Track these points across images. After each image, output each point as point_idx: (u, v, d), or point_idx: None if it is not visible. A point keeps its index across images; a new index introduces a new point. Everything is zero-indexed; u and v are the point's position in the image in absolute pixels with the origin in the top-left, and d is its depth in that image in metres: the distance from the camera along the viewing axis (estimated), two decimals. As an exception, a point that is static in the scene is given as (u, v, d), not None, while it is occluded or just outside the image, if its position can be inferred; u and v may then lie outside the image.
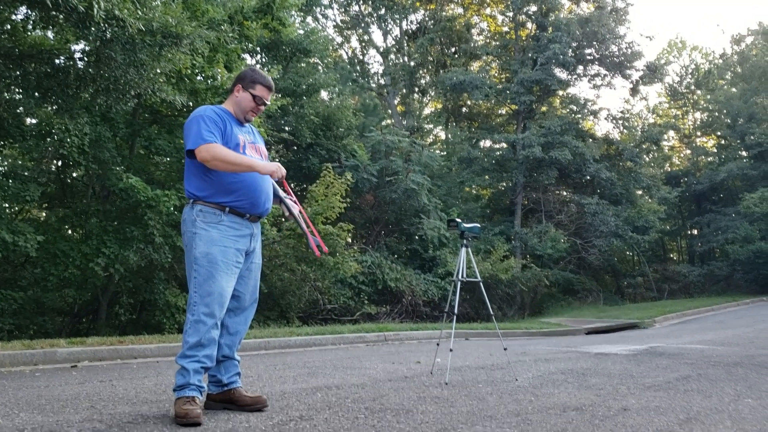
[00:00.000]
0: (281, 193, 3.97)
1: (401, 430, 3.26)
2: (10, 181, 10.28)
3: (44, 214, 13.27)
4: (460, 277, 5.61)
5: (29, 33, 9.20)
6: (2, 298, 10.19)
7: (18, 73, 9.10)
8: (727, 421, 3.60)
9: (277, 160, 18.37)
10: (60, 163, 11.47)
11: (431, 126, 34.65)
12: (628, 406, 4.02)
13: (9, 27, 8.96)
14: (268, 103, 3.91)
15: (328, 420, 3.48)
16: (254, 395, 3.74)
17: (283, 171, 3.68)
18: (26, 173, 11.13)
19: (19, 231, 9.08)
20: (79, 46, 9.39)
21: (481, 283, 5.87)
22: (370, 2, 30.57)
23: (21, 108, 9.99)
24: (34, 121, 10.55)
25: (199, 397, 3.45)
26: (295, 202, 4.01)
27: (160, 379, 5.02)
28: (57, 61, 9.16)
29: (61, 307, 12.47)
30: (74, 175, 12.11)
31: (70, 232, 11.73)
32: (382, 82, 32.03)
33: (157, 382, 4.80)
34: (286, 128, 18.26)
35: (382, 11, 30.74)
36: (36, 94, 9.41)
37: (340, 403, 3.99)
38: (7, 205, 10.67)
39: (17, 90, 9.77)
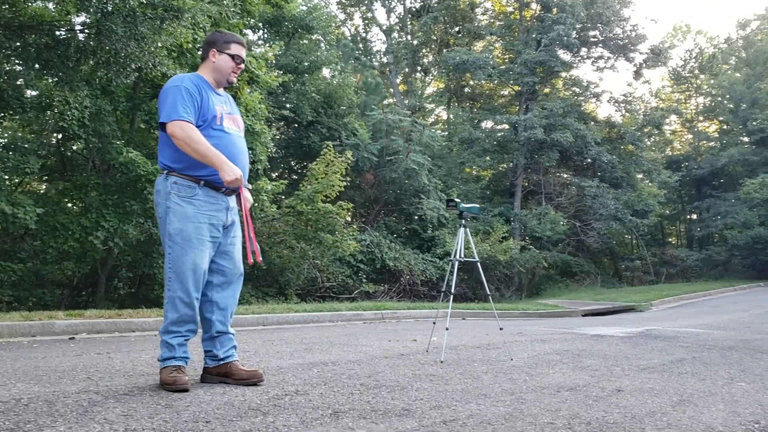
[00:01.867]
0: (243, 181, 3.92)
1: (396, 406, 3.29)
2: (10, 153, 10.26)
3: (44, 187, 13.26)
4: (457, 257, 5.62)
5: (30, 4, 9.14)
6: (1, 269, 10.23)
7: (18, 44, 9.06)
8: (720, 403, 3.63)
9: (278, 137, 18.32)
10: (60, 136, 11.44)
11: (433, 106, 34.54)
12: (622, 387, 4.04)
13: (9, -3, 8.89)
14: (245, 59, 3.85)
15: (323, 395, 3.50)
16: (250, 369, 3.77)
17: (240, 183, 3.55)
18: (26, 145, 11.11)
19: (18, 203, 9.07)
20: (79, 19, 9.33)
21: (479, 264, 5.87)
22: (374, -21, 30.36)
23: (21, 80, 9.95)
24: (34, 93, 10.51)
25: (185, 366, 3.55)
26: (250, 198, 3.92)
27: (158, 352, 5.01)
28: (57, 32, 9.11)
29: (60, 280, 12.51)
30: (74, 148, 12.09)
31: (69, 205, 11.73)
32: (384, 60, 31.86)
33: (154, 356, 4.82)
34: (287, 105, 18.20)
35: (386, -12, 30.53)
36: (36, 65, 9.37)
37: (335, 379, 4.01)
38: (6, 177, 10.65)
39: (17, 61, 9.72)
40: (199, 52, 4.25)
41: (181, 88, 3.50)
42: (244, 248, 3.91)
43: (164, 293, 3.57)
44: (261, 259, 3.89)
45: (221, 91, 3.79)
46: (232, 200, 3.75)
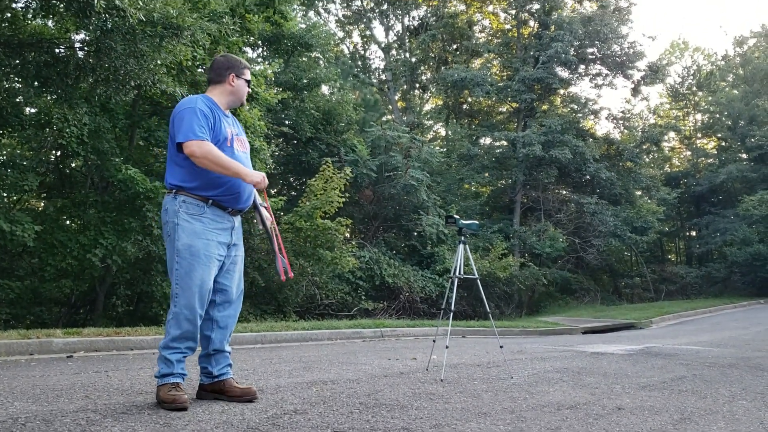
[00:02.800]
0: (258, 200, 3.98)
1: (395, 425, 3.26)
2: (9, 170, 10.25)
3: (42, 204, 13.23)
4: (457, 274, 5.60)
5: (29, 21, 9.18)
6: (-1, 287, 10.18)
7: (17, 61, 9.08)
8: (721, 422, 3.60)
9: (277, 153, 18.34)
10: (59, 153, 11.44)
11: (432, 122, 34.63)
12: (623, 405, 4.02)
13: (9, 15, 8.93)
14: None
15: (322, 414, 3.47)
16: (244, 387, 3.79)
17: (266, 182, 3.71)
18: (25, 163, 11.08)
19: (16, 220, 9.05)
20: (79, 36, 9.37)
21: (479, 281, 5.86)
22: (373, -3, 30.56)
23: (20, 97, 9.95)
24: (33, 110, 10.52)
25: (182, 383, 3.55)
26: (269, 214, 4.03)
27: (156, 370, 5.00)
28: (57, 50, 9.14)
29: (58, 298, 12.44)
30: (73, 165, 12.08)
31: (68, 222, 11.70)
32: (383, 77, 32.00)
33: (152, 374, 4.78)
34: (287, 122, 18.23)
35: (385, 6, 30.71)
36: (35, 83, 9.39)
37: (335, 398, 3.99)
38: (5, 195, 10.65)
39: (16, 79, 9.74)
40: (199, 70, 4.32)
41: (196, 109, 3.58)
42: (246, 266, 3.92)
43: (170, 309, 3.59)
44: (292, 274, 3.99)
45: (228, 113, 3.89)
46: (236, 220, 3.81)
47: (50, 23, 9.44)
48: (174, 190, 3.62)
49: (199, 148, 3.48)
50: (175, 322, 3.53)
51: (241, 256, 3.89)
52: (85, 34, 9.00)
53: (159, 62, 8.97)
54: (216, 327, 3.73)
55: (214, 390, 3.74)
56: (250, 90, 3.97)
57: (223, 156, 3.55)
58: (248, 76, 3.90)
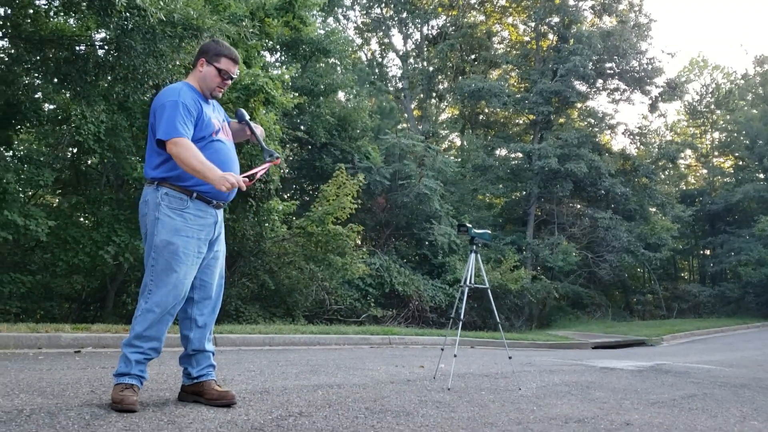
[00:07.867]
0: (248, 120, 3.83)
1: (400, 431, 3.23)
2: (26, 165, 10.32)
3: (57, 200, 13.32)
4: (468, 283, 5.57)
5: (51, 19, 9.25)
6: (11, 281, 10.22)
7: (38, 57, 9.17)
8: (732, 441, 3.55)
9: (291, 158, 18.38)
10: (75, 150, 11.51)
11: (447, 132, 34.62)
12: (631, 420, 3.96)
13: (32, 12, 9.01)
14: (235, 76, 3.67)
15: (327, 417, 3.45)
16: (222, 390, 3.60)
17: (236, 186, 3.38)
18: (42, 158, 11.16)
19: (31, 215, 9.10)
20: (100, 35, 9.44)
21: (489, 290, 5.82)
22: (392, 6, 30.61)
23: (39, 93, 10.03)
24: (51, 106, 10.60)
25: (139, 386, 3.36)
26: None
27: (162, 368, 5.01)
28: (77, 47, 9.21)
29: (69, 293, 12.50)
30: (89, 162, 12.14)
31: (81, 219, 11.76)
32: (399, 85, 32.06)
33: (159, 371, 4.79)
34: (302, 127, 18.29)
35: (404, 15, 30.78)
36: (55, 79, 9.46)
37: (340, 402, 3.96)
38: (21, 189, 10.72)
39: (36, 75, 9.82)
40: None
41: (179, 103, 3.38)
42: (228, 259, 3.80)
43: (138, 304, 3.41)
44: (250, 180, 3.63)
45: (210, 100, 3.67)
46: (219, 214, 3.62)
47: (72, 21, 9.52)
48: (156, 182, 3.44)
49: (178, 146, 3.28)
50: (143, 318, 3.35)
51: (222, 250, 3.71)
52: (105, 32, 9.08)
53: (178, 62, 9.04)
54: (195, 326, 3.58)
55: (193, 392, 3.59)
56: (225, 81, 3.60)
57: (197, 159, 3.31)
58: (224, 64, 3.55)
